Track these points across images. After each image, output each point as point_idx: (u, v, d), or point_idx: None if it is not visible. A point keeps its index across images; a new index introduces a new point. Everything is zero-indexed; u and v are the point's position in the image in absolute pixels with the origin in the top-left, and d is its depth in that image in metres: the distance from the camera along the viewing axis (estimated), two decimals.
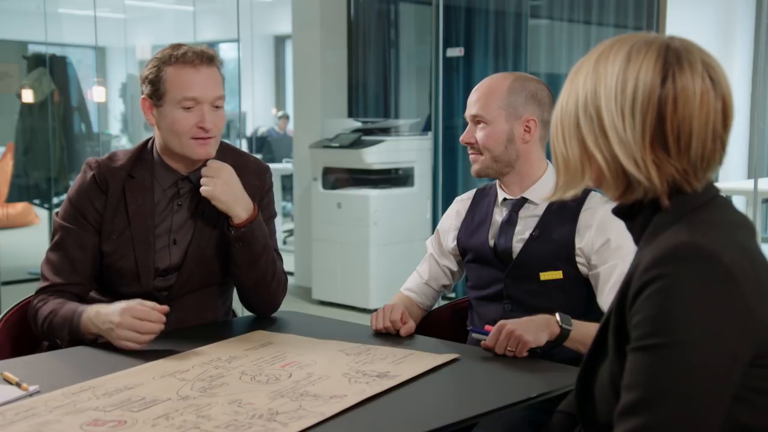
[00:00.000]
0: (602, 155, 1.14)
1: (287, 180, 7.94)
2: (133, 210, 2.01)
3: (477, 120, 2.03)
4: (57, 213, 2.06)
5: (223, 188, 1.96)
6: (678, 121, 1.10)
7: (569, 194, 1.21)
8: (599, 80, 1.14)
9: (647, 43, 1.14)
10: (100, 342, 1.86)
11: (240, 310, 2.26)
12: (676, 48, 1.13)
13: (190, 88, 1.95)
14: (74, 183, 2.06)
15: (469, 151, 2.07)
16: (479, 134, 2.02)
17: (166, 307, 1.80)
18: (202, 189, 1.97)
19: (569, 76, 1.20)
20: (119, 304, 1.81)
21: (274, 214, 2.16)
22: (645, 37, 1.15)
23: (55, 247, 2.03)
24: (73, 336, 1.89)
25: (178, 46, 1.99)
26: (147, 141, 2.10)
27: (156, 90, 1.97)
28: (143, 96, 2.01)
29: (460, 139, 2.07)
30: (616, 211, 1.23)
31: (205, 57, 1.97)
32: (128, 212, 2.01)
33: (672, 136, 1.11)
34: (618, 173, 1.14)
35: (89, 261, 2.02)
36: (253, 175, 2.11)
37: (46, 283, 2.01)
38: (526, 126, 2.02)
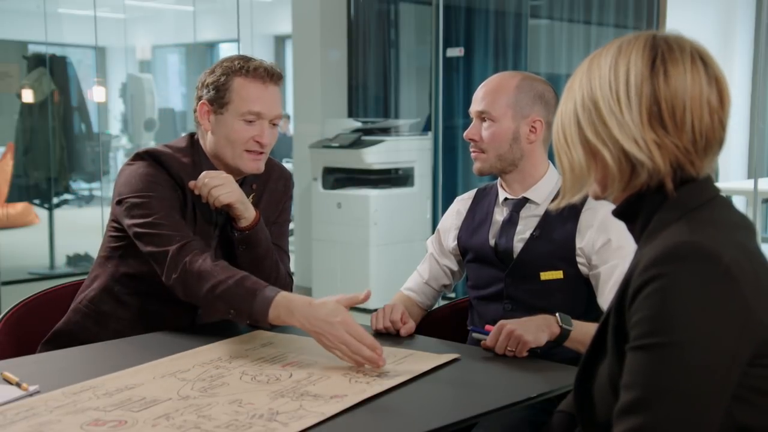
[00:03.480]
0: (604, 144, 1.15)
1: None
2: (199, 214, 1.99)
3: (483, 117, 2.02)
4: (116, 197, 1.93)
5: (238, 195, 1.95)
6: (671, 96, 1.12)
7: (576, 197, 1.22)
8: (593, 76, 1.17)
9: (636, 36, 1.18)
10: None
11: None
12: (665, 37, 1.17)
13: (256, 103, 1.96)
14: (134, 173, 1.94)
15: (471, 149, 2.05)
16: (485, 132, 2.02)
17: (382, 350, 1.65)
18: (221, 197, 1.90)
19: (566, 87, 1.23)
20: (332, 305, 1.67)
21: (290, 219, 2.17)
22: (634, 34, 1.19)
23: (151, 214, 1.88)
24: (249, 313, 1.74)
25: (248, 58, 1.99)
26: (192, 141, 2.05)
27: (220, 97, 1.97)
28: (203, 100, 1.99)
29: (464, 134, 2.05)
30: (617, 213, 1.23)
31: (275, 75, 1.99)
32: (196, 215, 1.98)
33: (667, 112, 1.12)
34: (621, 160, 1.15)
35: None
36: (280, 180, 2.15)
37: (182, 242, 1.85)
38: (532, 126, 2.01)
